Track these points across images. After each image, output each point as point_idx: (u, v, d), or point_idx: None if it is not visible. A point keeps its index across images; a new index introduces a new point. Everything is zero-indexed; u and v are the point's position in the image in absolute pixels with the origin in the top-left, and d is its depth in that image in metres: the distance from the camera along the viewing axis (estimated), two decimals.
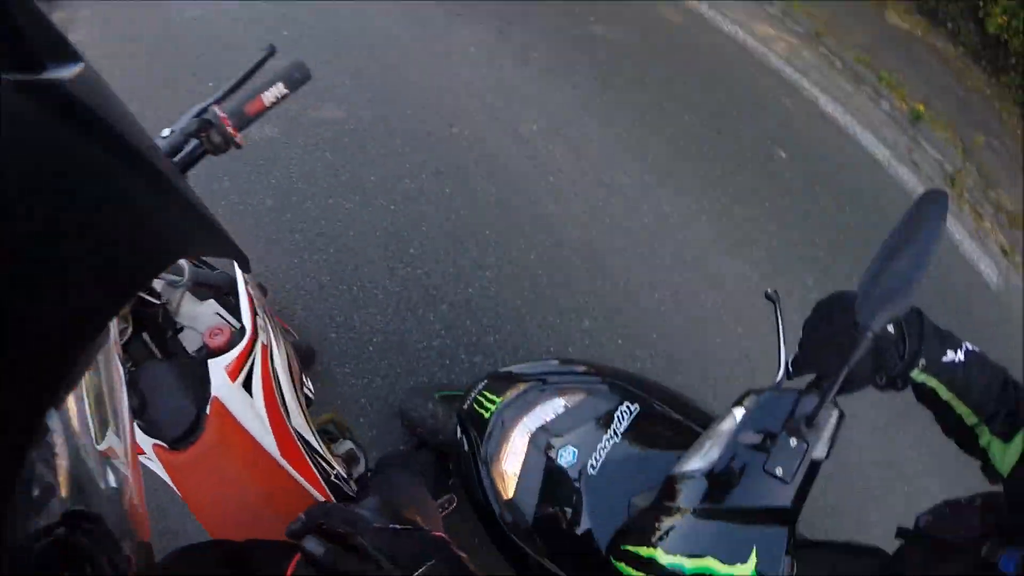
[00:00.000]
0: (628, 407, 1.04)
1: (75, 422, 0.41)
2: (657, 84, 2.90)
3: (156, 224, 0.34)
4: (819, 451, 0.78)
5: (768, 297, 0.93)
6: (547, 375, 1.14)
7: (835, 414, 0.80)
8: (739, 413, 0.84)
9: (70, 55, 0.25)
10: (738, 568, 0.74)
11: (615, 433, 1.00)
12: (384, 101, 2.55)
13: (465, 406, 1.16)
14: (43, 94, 0.23)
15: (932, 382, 0.80)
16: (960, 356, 0.79)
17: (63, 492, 0.40)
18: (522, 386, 1.11)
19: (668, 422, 1.05)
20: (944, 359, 0.79)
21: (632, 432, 1.00)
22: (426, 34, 2.81)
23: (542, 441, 1.01)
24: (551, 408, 1.05)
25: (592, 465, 0.97)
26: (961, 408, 0.81)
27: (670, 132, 2.70)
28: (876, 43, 4.27)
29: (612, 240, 2.31)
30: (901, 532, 0.87)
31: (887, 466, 2.12)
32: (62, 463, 0.40)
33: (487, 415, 1.09)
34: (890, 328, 0.77)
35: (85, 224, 0.28)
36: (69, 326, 0.29)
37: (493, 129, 2.53)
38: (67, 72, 0.24)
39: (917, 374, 0.80)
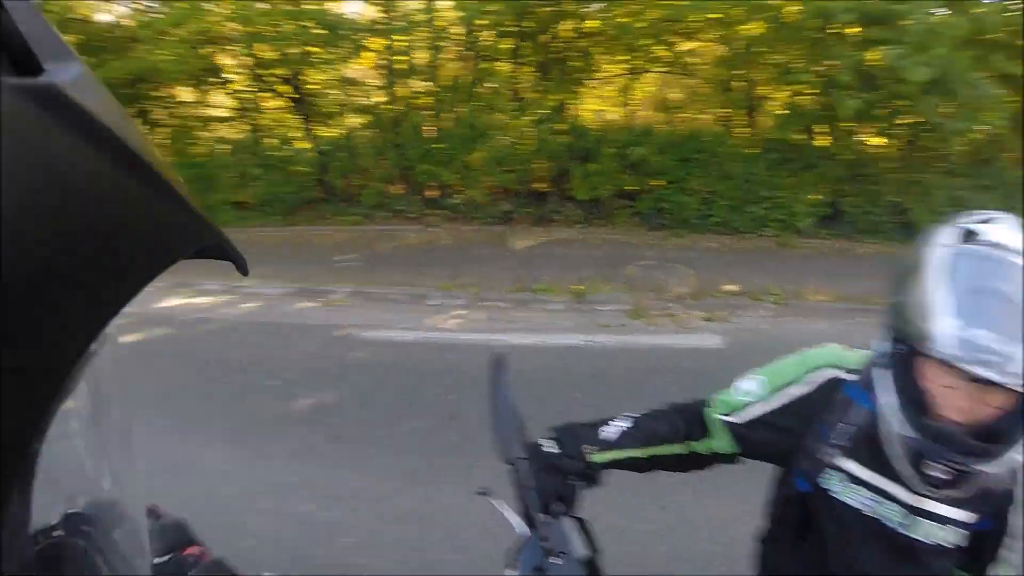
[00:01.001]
0: None
1: (74, 427, 0.43)
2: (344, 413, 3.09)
3: (154, 226, 0.33)
4: (579, 552, 0.88)
5: (482, 493, 1.03)
6: None
7: (566, 521, 0.91)
8: (510, 572, 0.92)
9: (68, 57, 0.24)
10: None
11: None
12: None
13: None
14: (40, 97, 0.22)
15: (619, 454, 0.96)
16: (621, 424, 0.99)
17: (61, 495, 0.45)
18: None
19: None
20: (603, 436, 0.97)
21: None
22: None
23: None
24: None
25: None
26: (664, 450, 0.97)
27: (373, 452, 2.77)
28: (520, 268, 5.40)
29: None
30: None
31: None
32: (62, 465, 0.42)
33: None
34: (552, 447, 0.96)
35: (83, 227, 0.27)
36: (67, 330, 0.29)
37: None
38: (65, 75, 0.23)
39: (598, 458, 0.95)
